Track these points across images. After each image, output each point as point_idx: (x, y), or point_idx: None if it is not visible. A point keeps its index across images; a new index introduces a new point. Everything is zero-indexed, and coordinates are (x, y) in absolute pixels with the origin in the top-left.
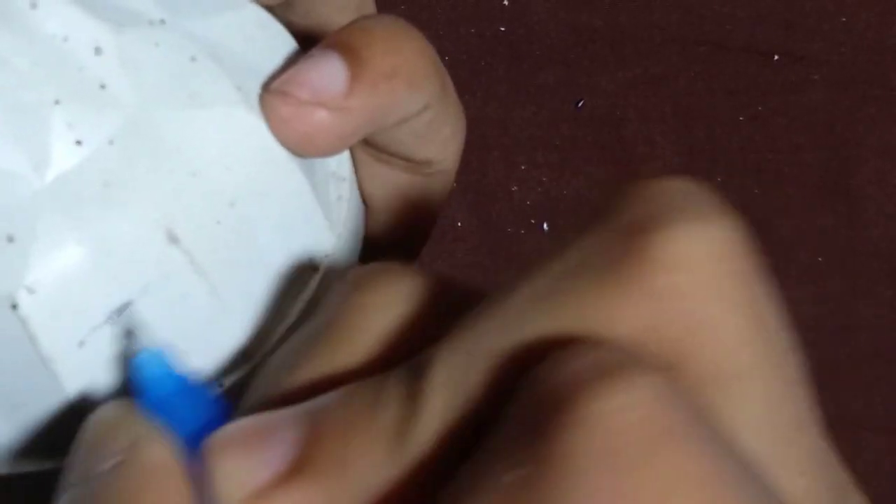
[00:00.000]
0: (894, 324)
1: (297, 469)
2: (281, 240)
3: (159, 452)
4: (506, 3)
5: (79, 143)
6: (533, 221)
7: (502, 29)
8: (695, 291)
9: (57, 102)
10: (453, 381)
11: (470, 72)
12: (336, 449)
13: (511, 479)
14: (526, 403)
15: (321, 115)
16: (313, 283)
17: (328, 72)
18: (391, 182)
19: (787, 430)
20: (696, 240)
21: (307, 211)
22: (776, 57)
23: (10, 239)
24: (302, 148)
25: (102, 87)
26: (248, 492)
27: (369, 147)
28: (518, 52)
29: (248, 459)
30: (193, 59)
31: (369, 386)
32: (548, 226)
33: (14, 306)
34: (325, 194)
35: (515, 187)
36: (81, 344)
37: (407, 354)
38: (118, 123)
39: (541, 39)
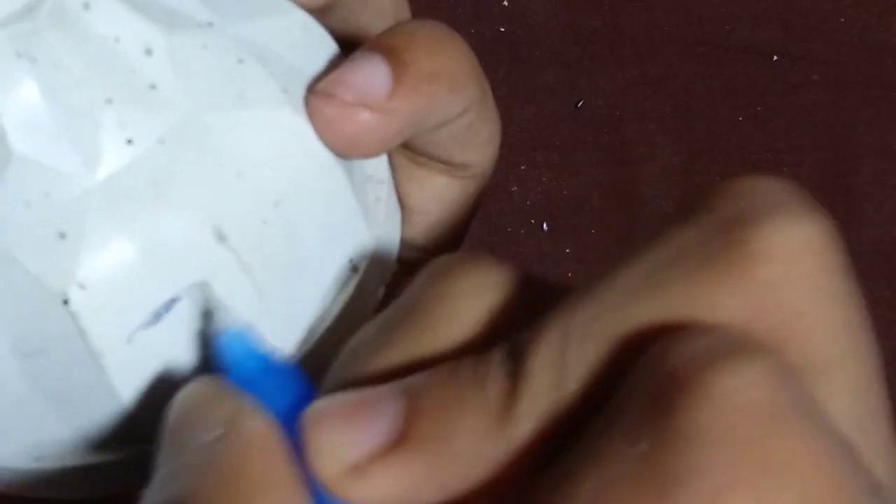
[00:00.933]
0: (894, 324)
1: (398, 442)
2: (322, 241)
3: (259, 424)
4: (505, 3)
5: (129, 142)
6: (533, 221)
7: (502, 29)
8: (793, 283)
9: (108, 102)
10: (558, 362)
11: None
12: (438, 423)
13: (634, 453)
14: (646, 382)
15: (365, 117)
16: (352, 284)
17: (372, 74)
18: (428, 185)
19: (867, 420)
20: (792, 234)
21: (348, 212)
22: (776, 57)
23: (62, 236)
24: (346, 149)
25: (153, 87)
26: (348, 463)
27: (407, 150)
28: (518, 53)
29: (347, 432)
30: (240, 61)
31: (470, 363)
32: (547, 226)
33: (65, 301)
34: (363, 196)
35: (515, 187)
36: (130, 339)
37: (494, 342)
38: (168, 123)
39: (541, 40)
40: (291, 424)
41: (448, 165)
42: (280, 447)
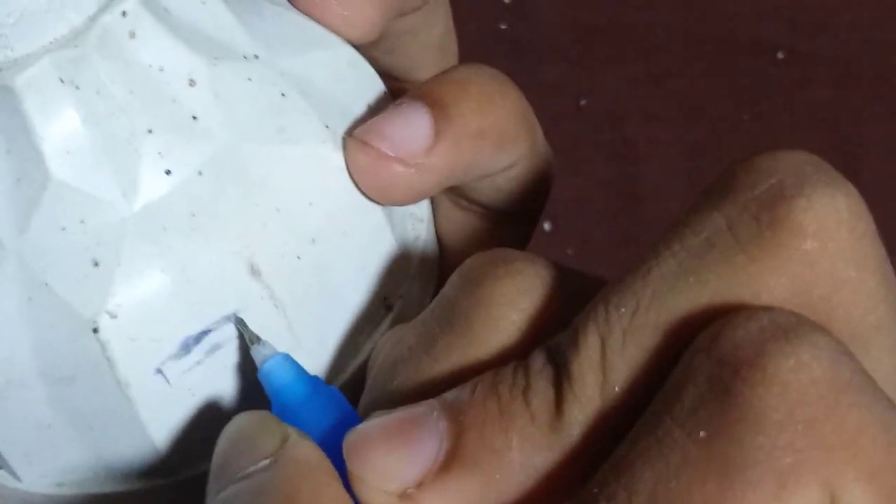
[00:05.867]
0: None
1: (447, 463)
2: (358, 278)
3: (309, 451)
4: (507, 0)
5: (168, 172)
6: None
7: (504, 26)
8: (830, 255)
9: (150, 132)
10: (601, 363)
11: None
12: (487, 439)
13: (694, 441)
14: (700, 370)
15: (398, 170)
16: (386, 322)
17: (411, 126)
18: (468, 227)
19: None
20: (824, 207)
21: (385, 251)
22: (780, 54)
23: (96, 263)
24: (377, 197)
25: (194, 118)
26: (396, 492)
27: (450, 193)
28: (520, 50)
29: (392, 460)
30: (284, 94)
31: (510, 373)
32: (549, 225)
33: (95, 330)
34: (402, 233)
35: None
36: (158, 371)
37: (534, 344)
38: (207, 155)
39: (543, 37)
40: (335, 449)
41: (491, 212)
42: (330, 473)
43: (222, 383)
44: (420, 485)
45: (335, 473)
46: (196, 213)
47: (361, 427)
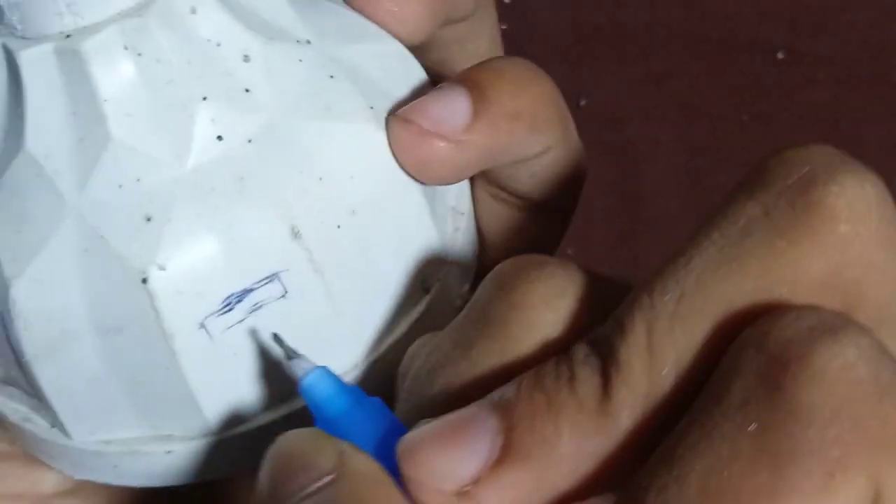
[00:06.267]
0: None
1: (501, 459)
2: (396, 256)
3: (368, 462)
4: (507, 0)
5: (219, 138)
6: None
7: (504, 27)
8: (862, 238)
9: (204, 99)
10: (648, 349)
11: None
12: (537, 431)
13: (744, 433)
14: (749, 364)
15: (438, 146)
16: (423, 304)
17: (451, 105)
18: (507, 220)
19: None
20: (855, 192)
21: (424, 234)
22: (780, 55)
23: (148, 219)
24: (419, 174)
25: (247, 91)
26: (453, 491)
27: (490, 186)
28: (520, 50)
29: (446, 460)
30: (332, 77)
31: (552, 366)
32: None
33: (144, 280)
34: (443, 224)
35: None
36: (201, 325)
37: (569, 345)
38: (257, 125)
39: (542, 37)
40: (385, 458)
41: (527, 202)
42: (391, 483)
43: (260, 350)
44: (476, 482)
45: (394, 483)
46: (243, 177)
47: (413, 433)
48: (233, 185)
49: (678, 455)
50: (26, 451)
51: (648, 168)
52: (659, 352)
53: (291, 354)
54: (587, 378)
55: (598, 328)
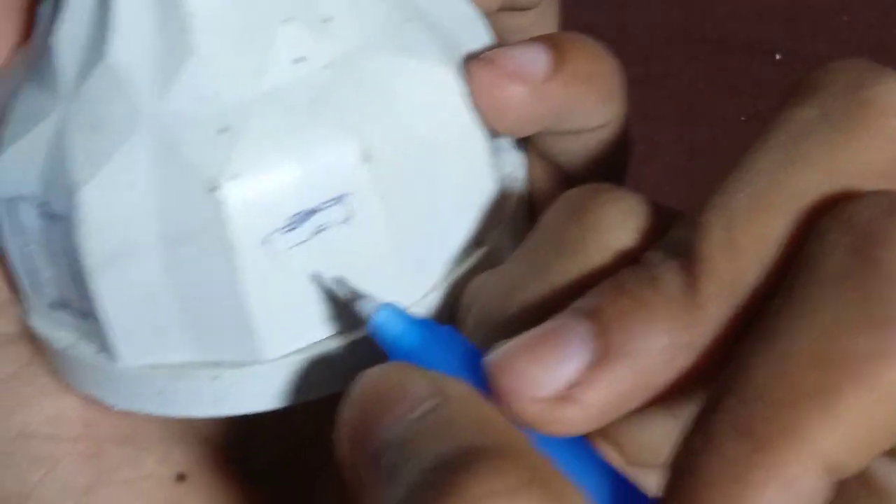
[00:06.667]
0: None
1: (598, 360)
2: (455, 202)
3: (462, 386)
4: None
5: (296, 60)
6: None
7: None
8: None
9: (287, 21)
10: (730, 243)
11: None
12: (631, 331)
13: (846, 302)
14: (843, 239)
15: (518, 90)
16: (475, 257)
17: (534, 54)
18: (550, 194)
19: None
20: None
21: (485, 188)
22: (778, 56)
23: (224, 130)
24: (493, 116)
25: (328, 19)
26: (552, 396)
27: (543, 160)
28: None
29: (546, 362)
30: (409, 20)
31: (629, 272)
32: None
33: (214, 189)
34: (498, 188)
35: None
36: (265, 241)
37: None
38: (335, 52)
39: None
40: (471, 383)
41: (573, 178)
42: (489, 403)
43: (323, 267)
44: (576, 384)
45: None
46: (318, 101)
47: (500, 349)
48: (308, 106)
49: (781, 330)
50: (68, 382)
51: (648, 168)
52: (740, 244)
53: (356, 295)
54: (670, 277)
55: (666, 236)
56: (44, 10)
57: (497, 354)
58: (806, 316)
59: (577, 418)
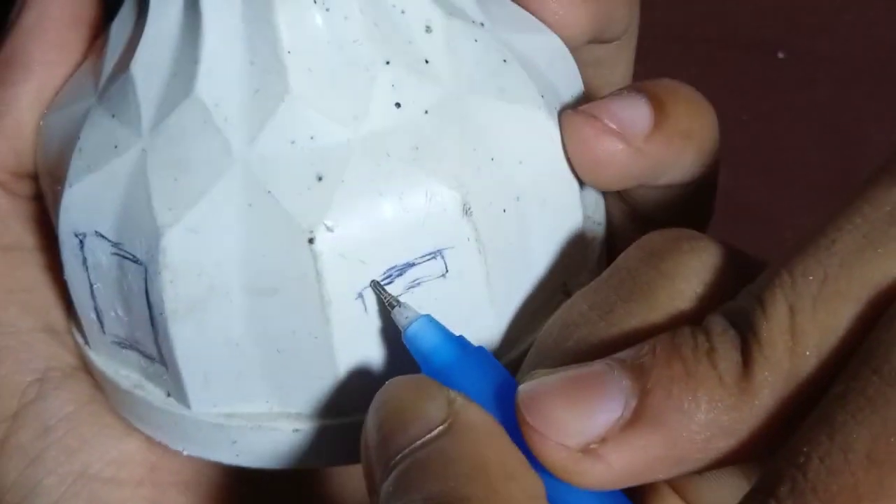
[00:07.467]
0: None
1: (635, 417)
2: (547, 251)
3: (480, 412)
4: None
5: (398, 105)
6: None
7: None
8: None
9: (387, 64)
10: (791, 329)
11: None
12: (675, 397)
13: None
14: None
15: (618, 148)
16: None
17: (636, 111)
18: (629, 238)
19: None
20: None
21: (574, 234)
22: (780, 55)
23: (319, 178)
24: (589, 172)
25: (427, 61)
26: (583, 441)
27: (622, 202)
28: None
29: (579, 409)
30: (505, 61)
31: (689, 335)
32: None
33: (311, 241)
34: (584, 234)
35: None
36: (359, 296)
37: (705, 314)
38: (435, 97)
39: None
40: (497, 408)
41: (651, 225)
42: (505, 435)
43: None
44: (603, 440)
45: (507, 434)
46: (419, 147)
47: (535, 383)
48: (408, 153)
49: (840, 422)
50: (134, 424)
51: None
52: (802, 333)
53: (394, 303)
54: (727, 353)
55: (732, 301)
56: (116, 29)
57: (532, 387)
58: (866, 410)
59: (601, 476)
